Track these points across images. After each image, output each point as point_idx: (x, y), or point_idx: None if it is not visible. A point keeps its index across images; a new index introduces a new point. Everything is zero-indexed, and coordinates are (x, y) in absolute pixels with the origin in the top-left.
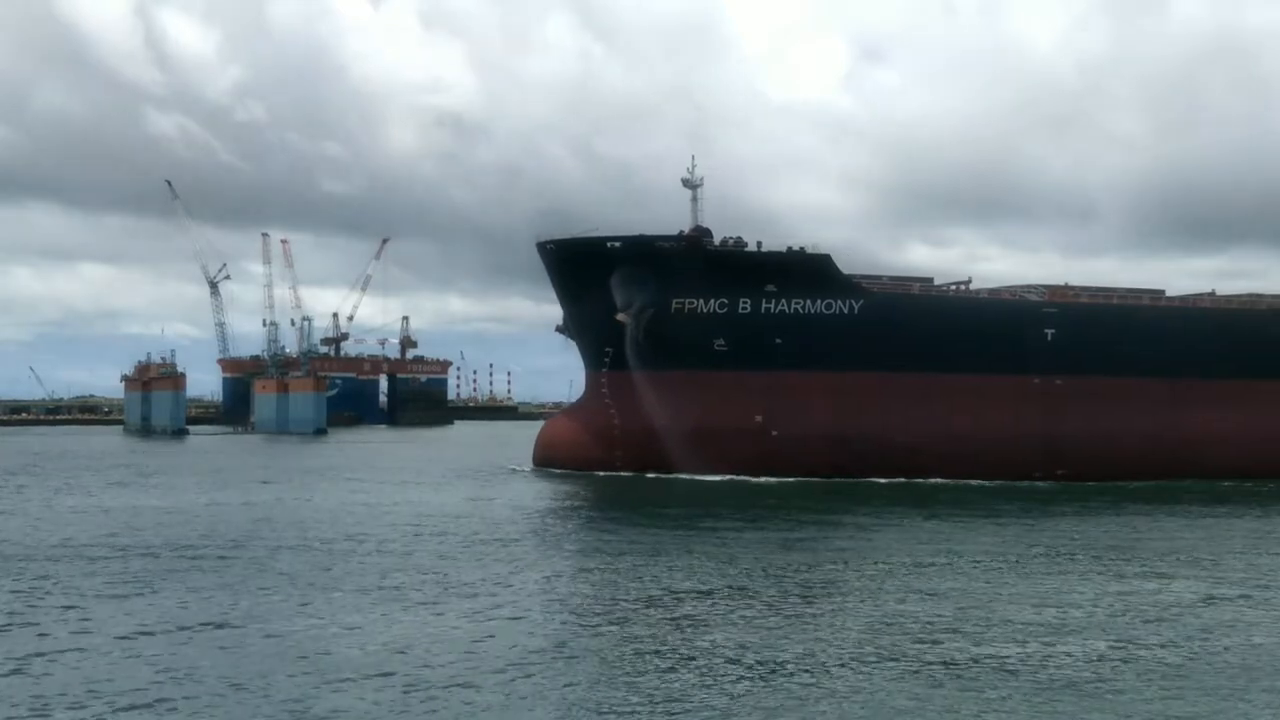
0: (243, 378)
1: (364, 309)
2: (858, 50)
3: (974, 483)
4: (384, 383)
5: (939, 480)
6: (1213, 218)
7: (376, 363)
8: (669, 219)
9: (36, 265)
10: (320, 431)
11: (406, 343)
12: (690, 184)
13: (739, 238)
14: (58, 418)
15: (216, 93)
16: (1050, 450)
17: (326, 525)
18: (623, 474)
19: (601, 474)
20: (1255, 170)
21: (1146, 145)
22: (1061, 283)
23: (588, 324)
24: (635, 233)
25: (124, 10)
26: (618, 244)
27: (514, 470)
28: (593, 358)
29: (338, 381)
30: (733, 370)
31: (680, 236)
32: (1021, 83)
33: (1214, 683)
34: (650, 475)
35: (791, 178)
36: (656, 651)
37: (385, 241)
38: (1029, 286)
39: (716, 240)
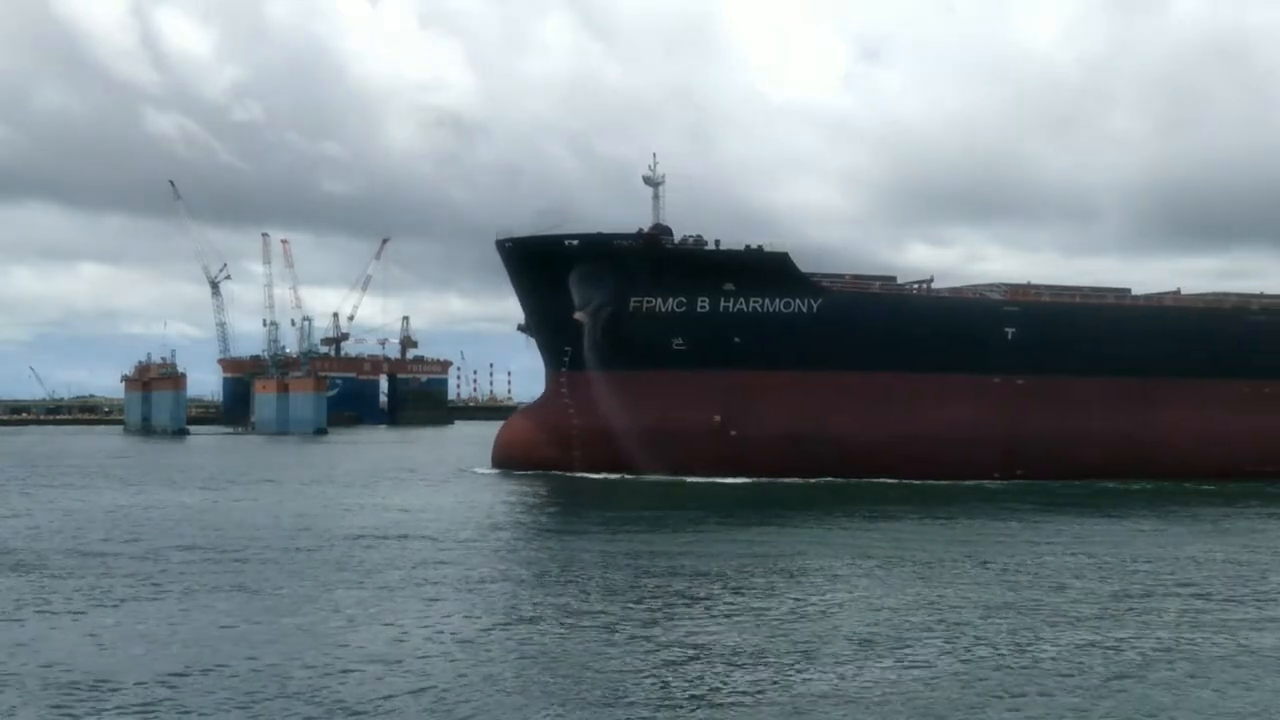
0: (243, 378)
1: (364, 309)
2: (857, 50)
3: (934, 483)
4: (384, 383)
5: (897, 480)
6: (1214, 217)
7: (376, 363)
8: (669, 216)
9: (36, 265)
10: (321, 431)
11: (406, 343)
12: (651, 182)
13: (699, 236)
14: (58, 418)
15: (215, 92)
16: (1010, 450)
17: (237, 530)
18: (579, 475)
19: (559, 474)
20: (1256, 169)
21: (1147, 144)
22: (1024, 281)
23: (546, 323)
24: (631, 232)
25: (120, 9)
26: (575, 242)
27: (470, 471)
28: (552, 357)
29: (338, 381)
30: (691, 370)
31: (638, 235)
32: (1021, 82)
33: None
34: (607, 476)
35: (792, 178)
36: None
37: (385, 241)
38: (991, 285)
39: (676, 238)
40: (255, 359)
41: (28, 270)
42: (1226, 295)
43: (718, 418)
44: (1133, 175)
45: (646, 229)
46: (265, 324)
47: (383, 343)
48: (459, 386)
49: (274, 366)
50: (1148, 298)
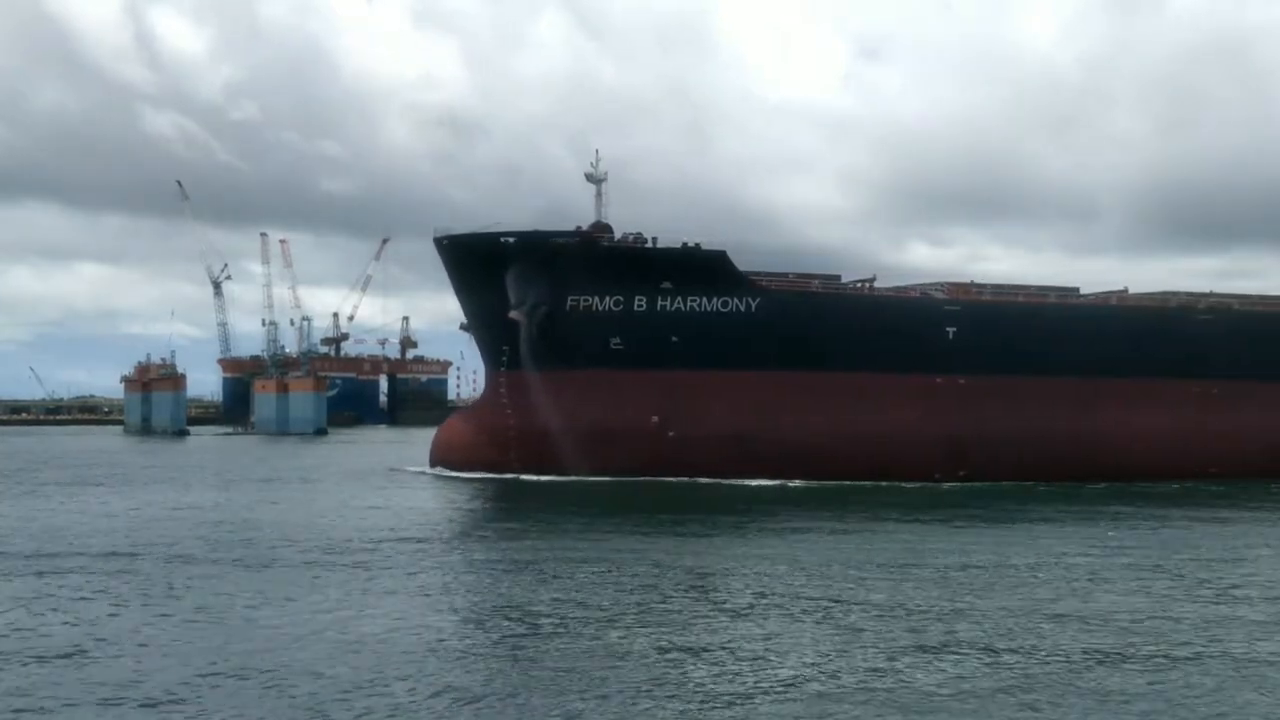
0: (243, 378)
1: (364, 309)
2: (856, 49)
3: (868, 484)
4: (384, 383)
5: (836, 483)
6: (1215, 216)
7: (376, 363)
8: (665, 216)
9: (35, 265)
10: (321, 431)
11: (406, 343)
12: (594, 179)
13: (638, 234)
14: (58, 418)
15: (210, 92)
16: (952, 451)
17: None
18: (516, 477)
19: (494, 476)
20: (1257, 168)
21: (1147, 143)
22: (968, 280)
23: (485, 322)
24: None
25: (113, 8)
26: (511, 239)
27: (405, 472)
28: (491, 357)
29: (338, 381)
30: (629, 370)
31: (575, 232)
32: (1021, 81)
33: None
34: (544, 478)
35: (791, 177)
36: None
37: (385, 241)
38: (934, 284)
39: (618, 236)
40: (255, 359)
41: (27, 270)
42: (1175, 294)
43: (656, 418)
44: (1133, 175)
45: (585, 227)
46: (264, 324)
47: (383, 343)
48: (459, 386)
49: (274, 366)
50: (1095, 297)
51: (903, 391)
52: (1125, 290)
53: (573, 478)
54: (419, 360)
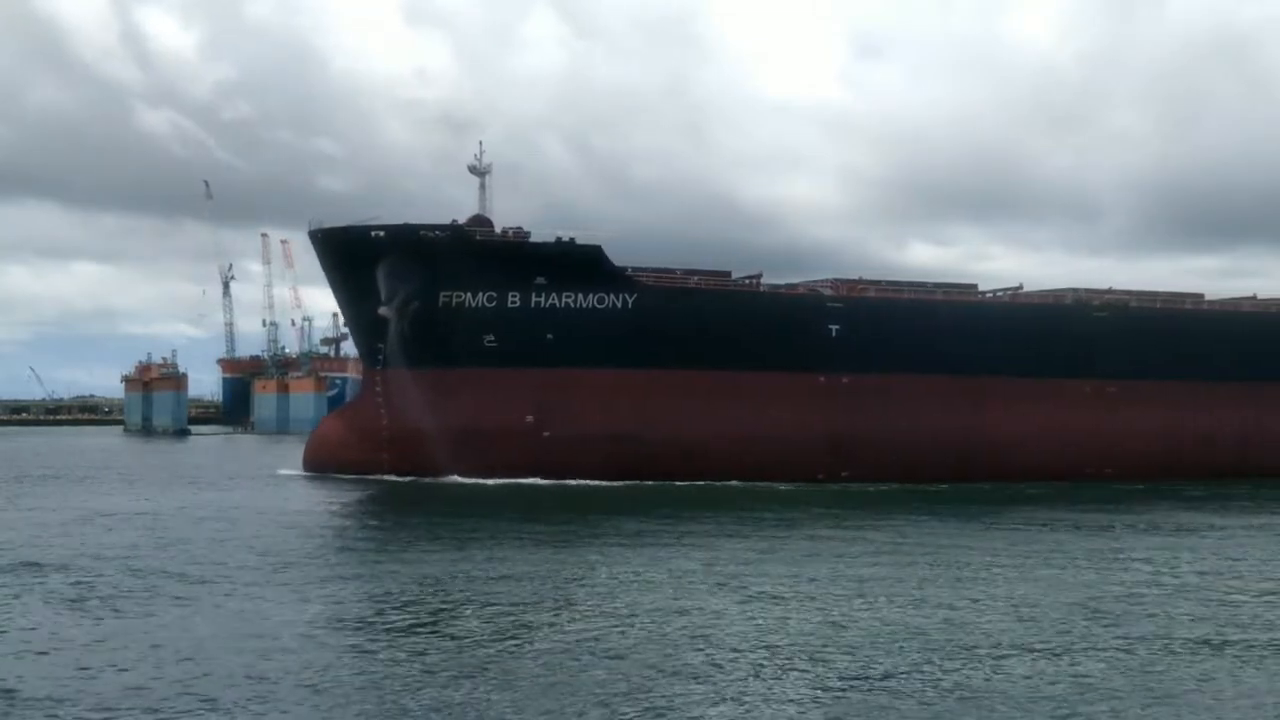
0: (243, 378)
1: None
2: (855, 46)
3: (748, 485)
4: None
5: (715, 483)
6: (1217, 215)
7: None
8: (667, 213)
9: (34, 264)
10: None
11: None
12: (477, 171)
13: (519, 228)
14: (58, 418)
15: (202, 91)
16: (835, 451)
17: None
18: (387, 478)
19: (367, 478)
20: (1259, 166)
21: (1148, 142)
22: (856, 277)
23: (360, 319)
24: (634, 227)
25: (97, 6)
26: (382, 233)
27: (273, 475)
28: (367, 354)
29: (338, 381)
30: (503, 368)
31: (449, 225)
32: (1020, 79)
33: None
34: (416, 480)
35: (790, 175)
36: None
37: None
38: (822, 281)
39: (498, 229)
40: (255, 359)
41: (25, 269)
42: (1074, 290)
43: (530, 418)
44: (1134, 173)
45: (463, 220)
46: (265, 324)
47: None
48: None
49: (274, 366)
50: (989, 294)
51: (784, 390)
52: (1020, 287)
53: (443, 480)
54: None
